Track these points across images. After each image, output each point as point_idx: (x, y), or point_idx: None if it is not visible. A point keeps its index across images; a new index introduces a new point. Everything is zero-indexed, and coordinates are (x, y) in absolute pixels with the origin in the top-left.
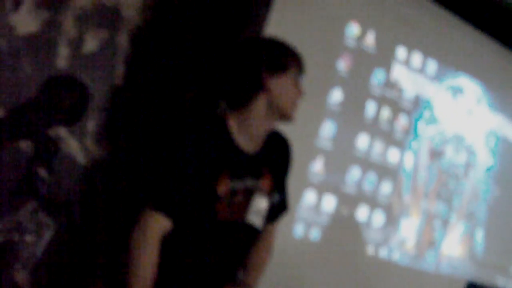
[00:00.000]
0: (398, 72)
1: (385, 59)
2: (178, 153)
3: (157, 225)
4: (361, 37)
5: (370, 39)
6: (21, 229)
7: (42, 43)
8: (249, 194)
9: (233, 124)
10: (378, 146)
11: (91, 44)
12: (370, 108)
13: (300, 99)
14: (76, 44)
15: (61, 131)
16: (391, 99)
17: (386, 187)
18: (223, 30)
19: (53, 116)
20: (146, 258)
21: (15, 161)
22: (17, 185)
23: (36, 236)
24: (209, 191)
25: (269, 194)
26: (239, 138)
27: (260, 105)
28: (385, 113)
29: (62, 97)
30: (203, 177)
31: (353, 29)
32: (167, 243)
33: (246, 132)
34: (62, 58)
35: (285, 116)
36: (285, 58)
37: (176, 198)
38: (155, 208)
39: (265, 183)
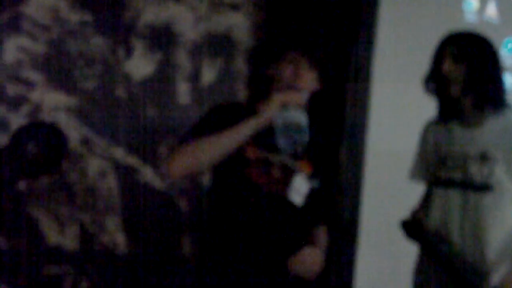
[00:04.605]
0: None
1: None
2: (204, 120)
3: None
4: (481, 10)
5: (491, 9)
6: None
7: (160, 84)
8: (289, 172)
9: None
10: None
11: (208, 75)
12: (508, 81)
13: (301, 83)
14: (194, 78)
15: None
16: None
17: None
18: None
19: (16, 169)
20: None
21: None
22: None
23: None
24: (236, 154)
25: (310, 177)
26: None
27: (270, 93)
28: None
29: (27, 149)
30: None
31: (471, 2)
32: (211, 209)
33: None
34: (183, 95)
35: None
36: (280, 46)
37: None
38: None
39: (303, 165)
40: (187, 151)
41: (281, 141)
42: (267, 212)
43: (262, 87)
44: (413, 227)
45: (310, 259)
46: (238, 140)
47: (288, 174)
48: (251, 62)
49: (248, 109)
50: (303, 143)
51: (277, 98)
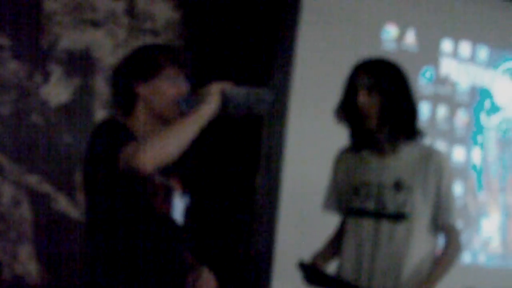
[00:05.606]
0: (447, 66)
1: (430, 55)
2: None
3: None
4: (400, 38)
5: (410, 37)
6: None
7: (77, 110)
8: (168, 191)
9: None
10: (440, 147)
11: None
12: (424, 109)
13: (181, 97)
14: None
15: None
16: (445, 95)
17: (457, 188)
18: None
19: None
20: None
21: None
22: None
23: None
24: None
25: (182, 195)
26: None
27: (139, 112)
28: (441, 111)
29: None
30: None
31: (390, 31)
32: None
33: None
34: None
35: (164, 118)
36: (154, 62)
37: None
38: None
39: (175, 183)
40: (155, 143)
41: (251, 103)
42: (158, 232)
43: (128, 103)
44: (309, 271)
45: (209, 281)
46: (197, 129)
47: (169, 193)
48: (116, 78)
49: (121, 125)
50: (270, 95)
51: (216, 87)
